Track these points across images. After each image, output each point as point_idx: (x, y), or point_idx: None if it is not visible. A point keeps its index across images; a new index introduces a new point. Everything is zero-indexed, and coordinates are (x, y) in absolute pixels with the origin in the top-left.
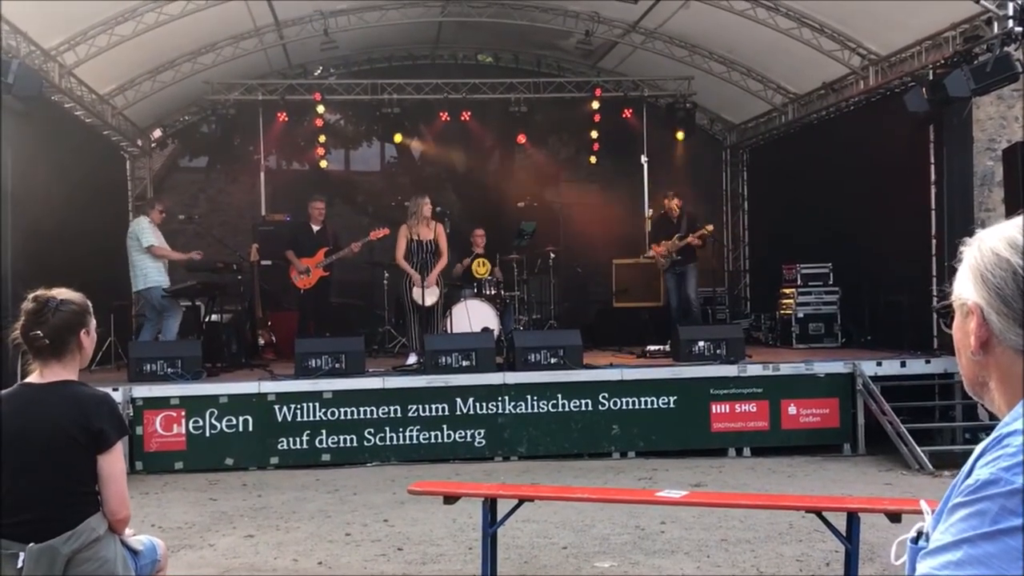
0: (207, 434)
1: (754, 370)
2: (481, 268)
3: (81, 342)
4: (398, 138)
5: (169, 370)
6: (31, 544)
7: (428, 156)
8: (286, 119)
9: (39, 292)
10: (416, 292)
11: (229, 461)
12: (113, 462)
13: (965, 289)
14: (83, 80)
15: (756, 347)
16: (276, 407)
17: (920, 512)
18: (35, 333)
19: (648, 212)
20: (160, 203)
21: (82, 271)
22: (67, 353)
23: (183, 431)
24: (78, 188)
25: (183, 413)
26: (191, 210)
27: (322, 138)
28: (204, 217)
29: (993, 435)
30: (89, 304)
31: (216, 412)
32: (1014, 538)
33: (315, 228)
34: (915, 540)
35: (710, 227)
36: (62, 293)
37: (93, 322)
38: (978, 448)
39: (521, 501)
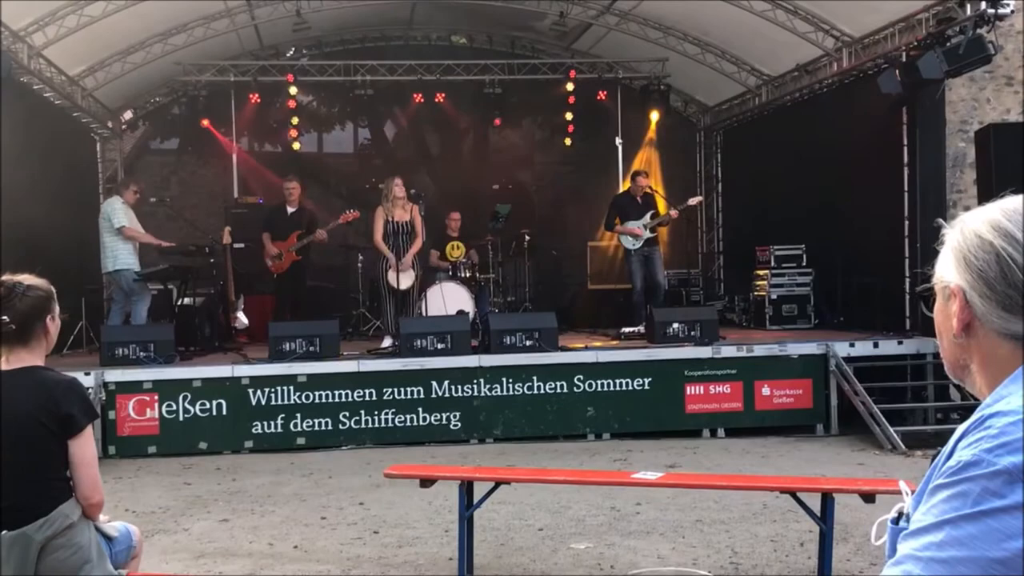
0: (180, 418)
1: (728, 351)
2: (455, 251)
3: (47, 327)
4: (364, 122)
5: (142, 354)
6: (3, 532)
7: (402, 138)
8: (258, 101)
9: (4, 278)
10: (391, 275)
11: (203, 445)
12: (84, 447)
13: (947, 272)
14: (52, 61)
15: (730, 328)
16: (250, 391)
17: (897, 492)
18: (2, 319)
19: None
20: (134, 183)
21: (52, 254)
22: (33, 339)
23: (156, 415)
24: (48, 170)
25: (156, 397)
26: (162, 193)
27: (295, 120)
28: (176, 200)
29: (974, 416)
30: (53, 290)
31: (189, 396)
32: (996, 519)
33: (290, 210)
34: (895, 521)
35: (699, 197)
36: (27, 279)
37: (57, 308)
38: (959, 429)
39: (497, 484)
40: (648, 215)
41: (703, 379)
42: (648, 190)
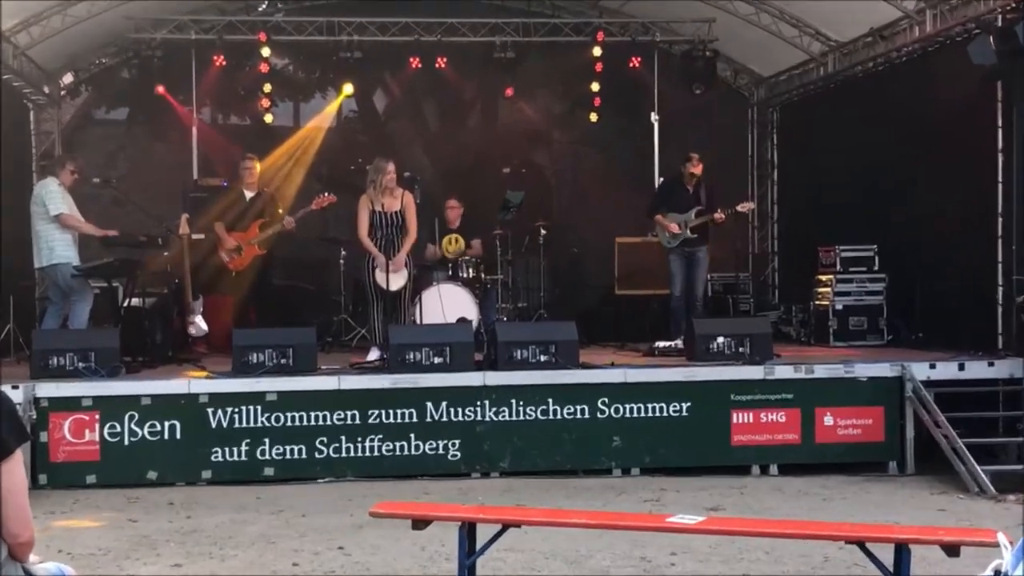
0: (126, 442)
1: (783, 372)
2: (452, 245)
3: None
4: (347, 90)
5: (80, 365)
6: None
7: (394, 110)
8: (224, 63)
9: None
10: (379, 274)
11: (152, 475)
12: (12, 473)
13: None
14: None
15: (786, 344)
16: (209, 411)
17: (988, 545)
18: None
19: (659, 180)
20: (72, 162)
21: None
22: None
23: (97, 438)
24: None
25: (97, 416)
26: (108, 172)
27: (267, 87)
28: (123, 181)
29: None
30: None
31: (137, 416)
32: None
33: (248, 195)
34: None
35: (750, 204)
36: None
37: None
38: None
39: (505, 527)
40: (694, 211)
41: (753, 405)
42: (696, 177)
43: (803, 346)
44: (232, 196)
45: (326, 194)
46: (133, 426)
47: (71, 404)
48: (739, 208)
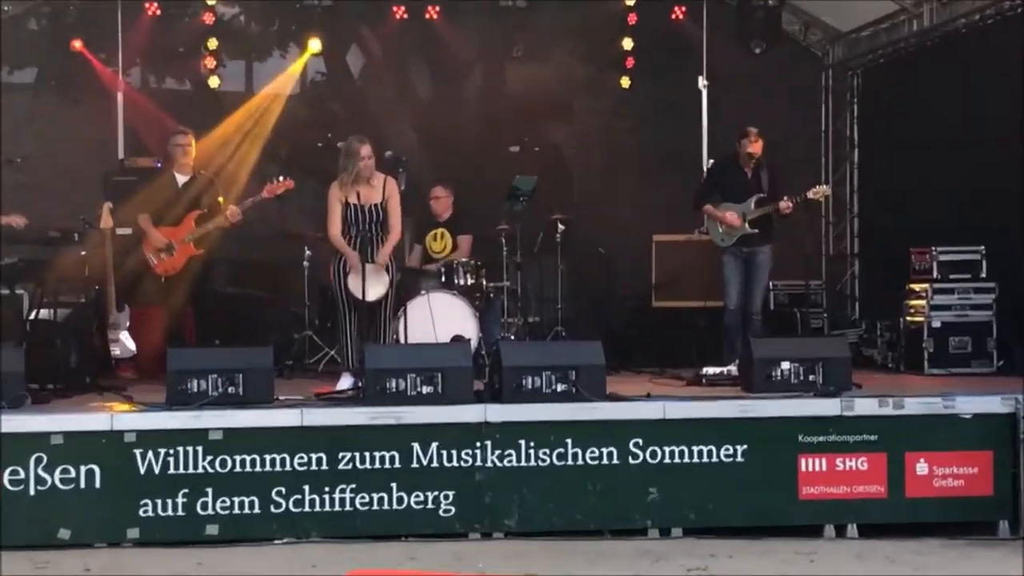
0: (31, 491)
1: (865, 407)
2: (438, 244)
3: None
4: (314, 46)
5: None
6: None
7: (373, 73)
8: (157, 13)
9: None
10: (353, 280)
11: (64, 534)
12: None
13: None
14: None
15: (869, 371)
16: (137, 452)
17: None
18: None
19: (707, 162)
20: None
21: None
22: None
23: None
24: None
25: None
26: (11, 150)
27: (212, 43)
28: (30, 160)
29: None
30: None
31: (45, 459)
32: None
33: (181, 179)
34: None
35: (824, 188)
36: None
37: None
38: None
39: None
40: (753, 200)
41: (826, 448)
42: (755, 157)
43: (891, 374)
44: (162, 181)
45: (281, 178)
46: (40, 471)
47: None
48: (810, 195)
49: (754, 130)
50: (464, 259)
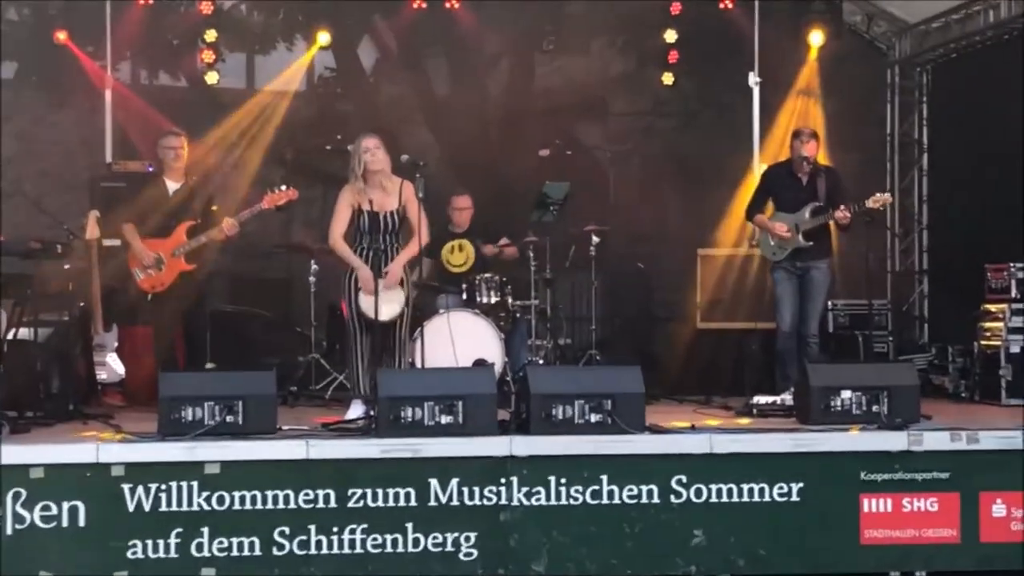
0: (8, 530)
1: (935, 441)
2: (457, 256)
3: None
4: (322, 39)
5: None
6: None
7: (388, 68)
8: (150, 2)
9: None
10: (365, 298)
11: None
12: None
13: None
14: None
15: (940, 401)
16: (126, 488)
17: None
18: None
19: (759, 168)
20: None
21: None
22: None
23: None
24: None
25: None
26: None
27: (210, 35)
28: (10, 164)
29: None
30: None
31: (24, 495)
32: None
33: (172, 186)
34: None
35: (885, 196)
36: None
37: None
38: None
39: None
40: (808, 209)
41: (892, 487)
42: (809, 163)
43: (965, 404)
44: (150, 188)
45: (283, 187)
46: (19, 508)
47: None
48: (869, 203)
49: (807, 130)
50: (494, 278)
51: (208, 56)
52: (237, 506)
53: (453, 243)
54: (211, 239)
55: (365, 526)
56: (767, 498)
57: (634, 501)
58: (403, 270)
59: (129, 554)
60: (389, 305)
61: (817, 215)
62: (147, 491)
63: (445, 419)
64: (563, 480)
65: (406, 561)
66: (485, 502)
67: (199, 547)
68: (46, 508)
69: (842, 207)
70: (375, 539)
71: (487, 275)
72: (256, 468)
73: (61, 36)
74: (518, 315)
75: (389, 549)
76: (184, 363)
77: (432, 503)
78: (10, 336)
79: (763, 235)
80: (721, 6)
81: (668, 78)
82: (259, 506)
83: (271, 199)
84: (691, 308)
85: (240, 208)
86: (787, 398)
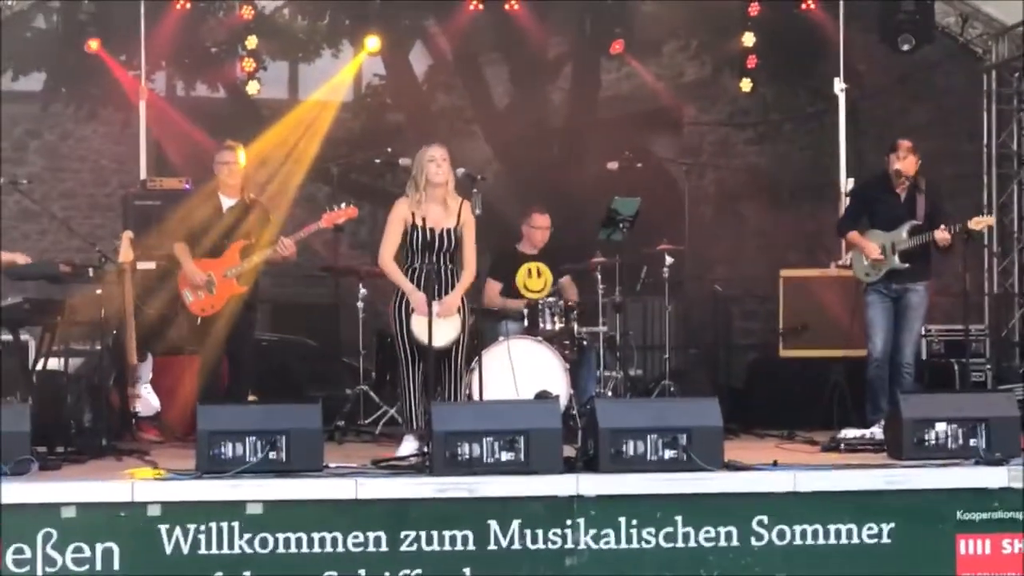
0: (39, 574)
1: None
2: (535, 282)
3: None
4: (371, 45)
5: None
6: None
7: (442, 76)
8: (187, 7)
9: None
10: (418, 323)
11: None
12: None
13: None
14: None
15: None
16: (163, 528)
17: None
18: None
19: (846, 183)
20: None
21: None
22: None
23: None
24: None
25: None
26: (16, 169)
27: (251, 42)
28: (39, 181)
29: None
30: None
31: (55, 535)
32: None
33: (227, 202)
34: None
35: (989, 218)
36: None
37: None
38: None
39: None
40: (906, 228)
41: (991, 528)
42: (909, 176)
43: None
44: (203, 204)
45: (343, 205)
46: (50, 550)
47: None
48: (972, 225)
49: (905, 143)
50: (561, 301)
51: (249, 64)
52: (281, 549)
53: (530, 266)
54: (266, 260)
55: (419, 572)
56: (855, 540)
57: (711, 544)
58: (462, 297)
59: None
60: (444, 330)
61: (915, 235)
62: (185, 532)
63: (505, 456)
64: (634, 522)
65: None
66: (550, 546)
67: None
68: (78, 550)
69: (942, 227)
70: None
71: (551, 299)
72: (302, 508)
73: (93, 45)
74: (585, 343)
75: None
76: (231, 394)
77: (492, 547)
78: (39, 366)
79: (856, 254)
80: (804, 7)
81: (746, 85)
82: (305, 549)
83: (330, 217)
84: (773, 335)
85: (284, 227)
86: (877, 432)
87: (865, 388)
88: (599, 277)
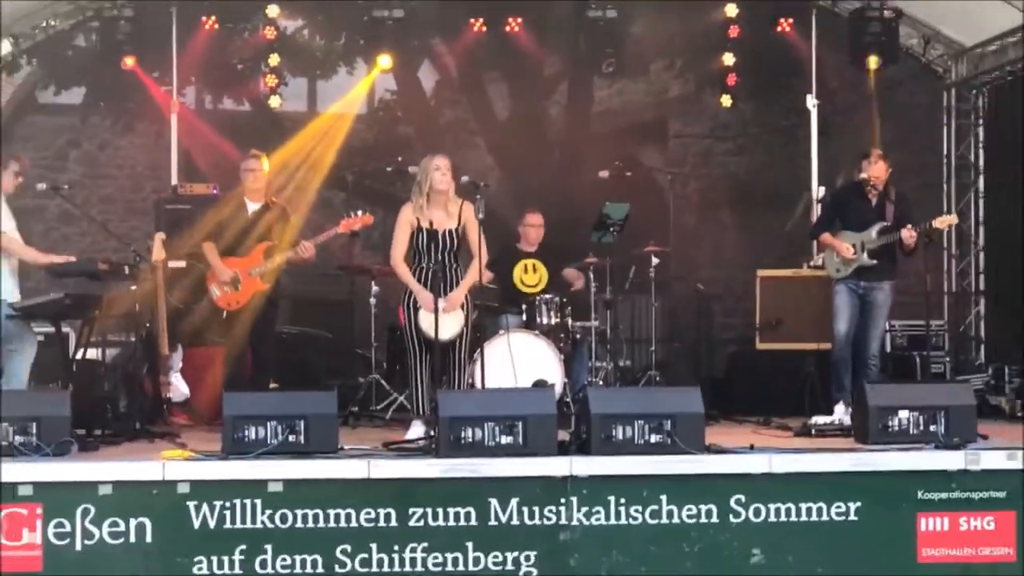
0: (78, 546)
1: (992, 460)
2: (531, 277)
3: None
4: (383, 62)
5: (17, 439)
6: None
7: (448, 91)
8: (215, 28)
9: None
10: (425, 318)
11: None
12: None
13: None
14: None
15: (996, 422)
16: (191, 505)
17: None
18: None
19: (818, 192)
20: (17, 161)
21: None
22: None
23: (39, 540)
24: None
25: (39, 511)
26: (56, 175)
27: (273, 59)
28: (78, 187)
29: None
30: None
31: (93, 511)
32: None
33: (252, 206)
34: None
35: (951, 217)
36: None
37: None
38: None
39: None
40: (875, 228)
41: (949, 507)
42: (879, 181)
43: (1020, 424)
44: (230, 207)
45: (360, 213)
46: (88, 524)
47: (3, 494)
48: (937, 223)
49: (876, 151)
50: (556, 298)
51: (271, 80)
52: (300, 524)
53: (526, 262)
54: (287, 261)
55: (426, 545)
56: (825, 517)
57: (693, 520)
58: (466, 293)
59: (195, 570)
60: (449, 325)
61: (883, 235)
62: (212, 508)
63: (505, 439)
64: (622, 500)
65: None
66: (545, 522)
67: (263, 564)
68: (114, 524)
69: (909, 227)
70: (436, 558)
71: (548, 296)
72: (318, 487)
73: (129, 62)
74: (578, 336)
75: (449, 568)
76: (254, 382)
77: (492, 522)
78: (79, 356)
79: (828, 254)
80: (779, 30)
81: (727, 101)
82: (321, 524)
83: (347, 223)
84: (751, 329)
85: (303, 229)
86: (845, 419)
87: (830, 368)
88: (592, 276)
